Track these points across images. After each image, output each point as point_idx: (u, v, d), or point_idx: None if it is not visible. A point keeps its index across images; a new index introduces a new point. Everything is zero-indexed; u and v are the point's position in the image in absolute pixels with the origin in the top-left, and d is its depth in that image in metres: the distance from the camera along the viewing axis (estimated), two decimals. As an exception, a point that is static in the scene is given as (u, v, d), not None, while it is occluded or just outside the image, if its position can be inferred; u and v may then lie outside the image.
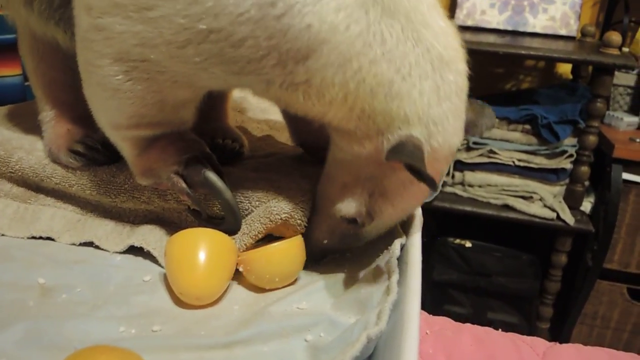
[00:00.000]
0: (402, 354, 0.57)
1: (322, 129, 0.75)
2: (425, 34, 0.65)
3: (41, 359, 0.62)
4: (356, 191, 0.74)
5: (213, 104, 0.99)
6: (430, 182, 0.64)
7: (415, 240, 0.80)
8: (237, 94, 1.32)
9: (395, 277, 0.70)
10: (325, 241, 0.80)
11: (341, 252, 0.84)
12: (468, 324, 0.98)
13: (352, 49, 0.62)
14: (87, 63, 0.73)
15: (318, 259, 0.83)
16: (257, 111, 1.29)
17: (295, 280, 0.79)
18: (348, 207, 0.75)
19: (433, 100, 0.66)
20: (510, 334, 0.95)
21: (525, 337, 0.95)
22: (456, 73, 0.68)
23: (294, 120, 0.97)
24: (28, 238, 0.87)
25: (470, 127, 0.76)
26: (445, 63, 0.66)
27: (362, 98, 0.65)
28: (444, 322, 0.97)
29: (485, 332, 0.95)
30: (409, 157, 0.64)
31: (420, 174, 0.63)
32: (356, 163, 0.72)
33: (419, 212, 0.88)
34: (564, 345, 0.94)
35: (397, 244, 0.77)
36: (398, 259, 0.75)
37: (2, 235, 0.87)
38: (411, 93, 0.65)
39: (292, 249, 0.76)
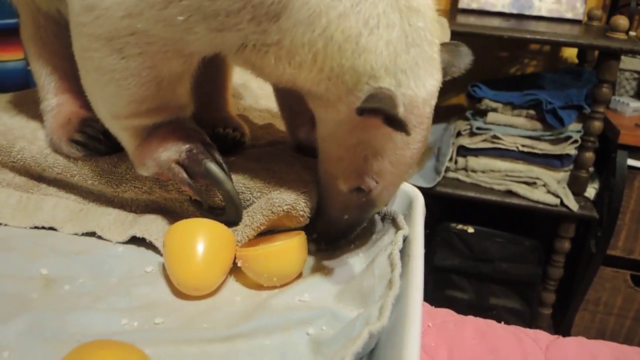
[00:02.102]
0: (404, 348, 0.57)
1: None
2: None
3: (44, 352, 0.62)
4: (350, 161, 0.74)
5: (213, 93, 0.98)
6: (404, 128, 0.63)
7: (418, 232, 0.80)
8: (238, 81, 1.31)
9: (397, 270, 0.69)
10: (346, 216, 0.79)
11: (363, 225, 0.84)
12: (470, 317, 0.97)
13: (322, 3, 0.63)
14: (82, 49, 0.73)
15: (341, 238, 0.83)
16: (259, 99, 1.28)
17: (295, 278, 0.78)
18: (348, 178, 0.75)
19: (400, 48, 0.66)
20: (512, 326, 0.94)
21: (528, 330, 0.94)
22: (425, 20, 0.68)
23: (289, 117, 0.97)
24: (30, 228, 0.87)
25: (448, 69, 0.76)
26: (414, 11, 0.66)
27: (330, 57, 0.66)
28: (446, 315, 0.97)
29: (487, 324, 0.94)
30: (378, 104, 0.63)
31: (393, 120, 0.63)
32: (340, 132, 0.73)
33: (421, 204, 0.87)
34: (567, 338, 0.93)
35: (399, 236, 0.77)
36: (401, 251, 0.75)
37: (5, 225, 0.87)
38: (377, 45, 0.65)
39: (292, 249, 0.75)
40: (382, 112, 0.63)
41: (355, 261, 0.81)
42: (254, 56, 0.70)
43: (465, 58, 0.78)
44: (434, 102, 0.72)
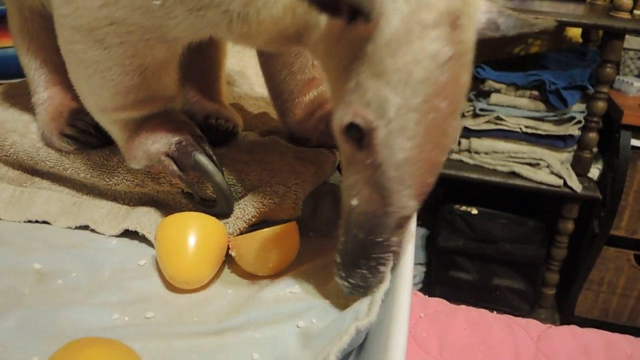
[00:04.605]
0: (390, 343, 0.57)
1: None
2: None
3: (35, 348, 0.62)
4: (341, 86, 0.60)
5: (206, 83, 0.97)
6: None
7: (411, 226, 0.79)
8: (234, 67, 1.30)
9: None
10: (356, 202, 0.62)
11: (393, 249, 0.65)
12: (463, 306, 0.97)
13: None
14: (66, 42, 0.73)
15: (363, 259, 0.64)
16: (255, 86, 1.27)
17: (288, 267, 0.78)
18: (342, 113, 0.59)
19: None
20: (505, 316, 0.94)
21: (520, 319, 0.94)
22: None
23: (280, 102, 0.96)
24: (24, 222, 0.87)
25: (491, 26, 0.65)
26: None
27: None
28: (438, 305, 0.97)
29: (479, 314, 0.94)
30: None
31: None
32: (329, 55, 0.64)
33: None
34: (559, 327, 0.93)
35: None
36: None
37: (-1, 219, 0.87)
38: None
39: (285, 234, 0.75)
40: None
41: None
42: (245, 27, 0.67)
43: (511, 21, 0.65)
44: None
